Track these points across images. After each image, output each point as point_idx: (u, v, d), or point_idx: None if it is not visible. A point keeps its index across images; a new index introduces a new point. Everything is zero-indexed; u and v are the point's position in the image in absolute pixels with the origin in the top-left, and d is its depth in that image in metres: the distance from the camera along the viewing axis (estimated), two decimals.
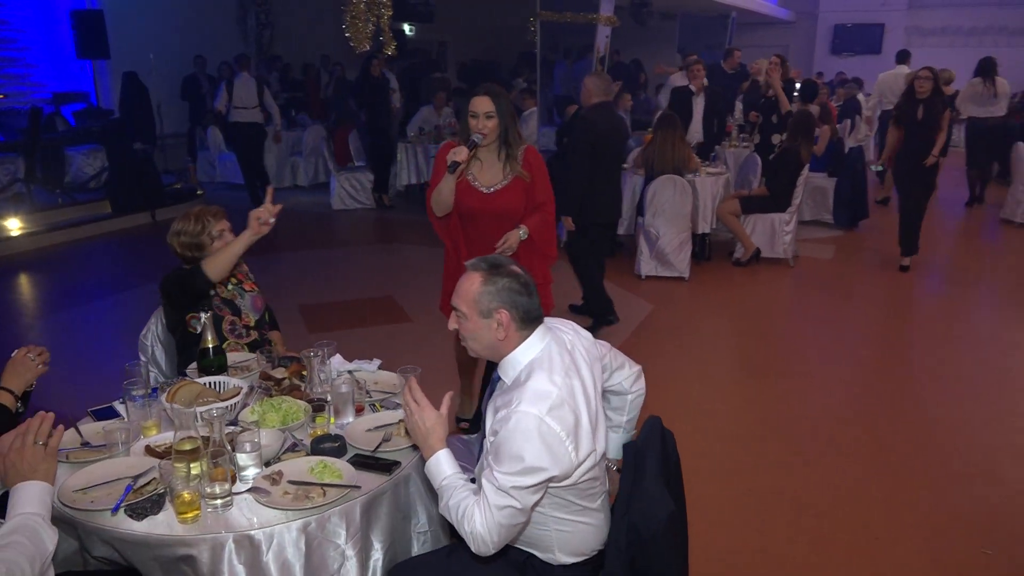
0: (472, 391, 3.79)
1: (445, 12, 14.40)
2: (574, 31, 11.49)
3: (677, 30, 15.41)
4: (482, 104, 3.13)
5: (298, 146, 11.06)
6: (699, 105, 7.75)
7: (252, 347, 2.88)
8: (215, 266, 2.66)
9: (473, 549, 1.78)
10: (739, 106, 9.90)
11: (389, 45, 7.22)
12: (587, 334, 2.03)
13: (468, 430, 2.98)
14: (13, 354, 2.27)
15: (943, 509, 3.25)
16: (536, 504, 1.81)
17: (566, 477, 1.79)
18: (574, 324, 2.03)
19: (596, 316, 5.26)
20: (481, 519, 1.74)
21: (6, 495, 1.80)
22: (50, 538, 1.63)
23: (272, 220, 2.61)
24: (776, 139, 7.55)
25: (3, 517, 1.74)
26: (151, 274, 6.82)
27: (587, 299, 5.38)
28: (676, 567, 1.98)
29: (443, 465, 1.87)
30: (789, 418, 4.11)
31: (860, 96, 11.76)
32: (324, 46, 13.51)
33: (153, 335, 3.01)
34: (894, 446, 3.79)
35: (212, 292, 2.84)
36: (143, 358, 3.00)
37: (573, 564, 1.99)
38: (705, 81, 7.79)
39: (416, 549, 2.20)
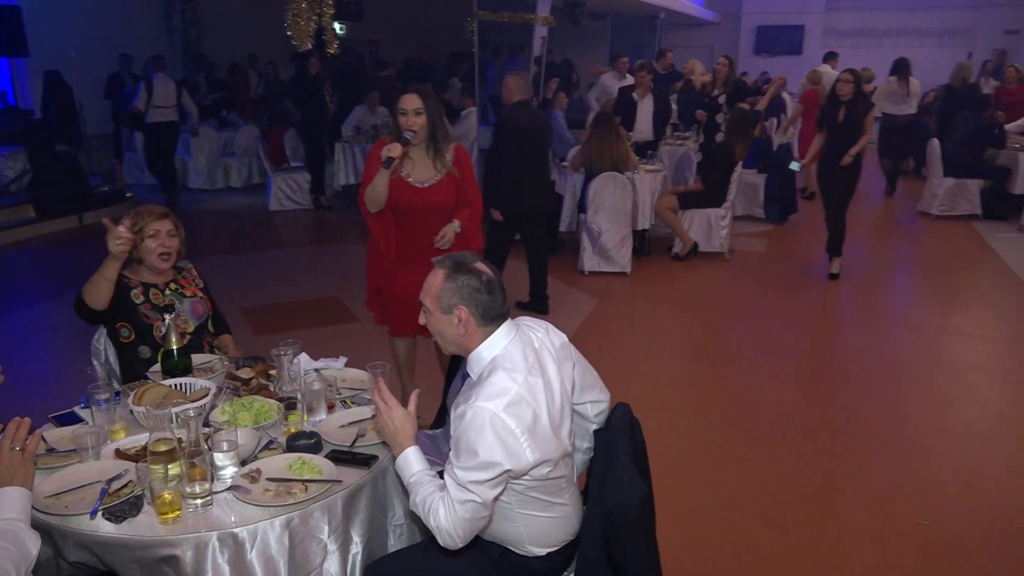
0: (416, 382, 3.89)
1: (376, 11, 14.26)
2: (506, 30, 11.57)
3: (609, 30, 15.67)
4: (411, 101, 3.26)
5: (230, 147, 10.83)
6: (647, 106, 7.92)
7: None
8: (89, 293, 2.63)
9: (441, 543, 1.82)
10: (673, 106, 10.18)
11: (332, 44, 7.15)
12: (561, 335, 2.06)
13: (434, 424, 3.01)
14: None
15: (882, 484, 3.44)
16: (497, 498, 1.85)
17: (523, 473, 1.83)
18: (548, 324, 2.07)
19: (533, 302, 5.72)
20: (445, 514, 1.78)
21: None
22: (33, 542, 1.61)
23: (122, 237, 2.55)
24: (720, 138, 7.79)
25: None
26: (82, 280, 6.63)
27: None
28: (648, 549, 2.07)
29: (412, 462, 1.91)
30: (734, 404, 4.27)
31: (785, 95, 12.18)
32: (253, 45, 13.24)
33: (106, 339, 2.94)
34: (833, 427, 3.99)
35: (142, 300, 2.79)
36: (96, 362, 2.93)
37: (547, 554, 2.05)
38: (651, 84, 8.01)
39: (392, 542, 2.23)
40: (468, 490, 1.77)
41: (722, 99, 7.99)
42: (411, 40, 15.09)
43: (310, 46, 6.65)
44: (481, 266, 1.93)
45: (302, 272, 6.92)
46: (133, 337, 2.74)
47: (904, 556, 2.96)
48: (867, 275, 6.89)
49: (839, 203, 6.42)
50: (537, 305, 5.62)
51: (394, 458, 1.95)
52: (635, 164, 6.87)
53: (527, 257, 5.65)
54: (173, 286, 2.88)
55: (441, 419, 2.99)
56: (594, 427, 2.19)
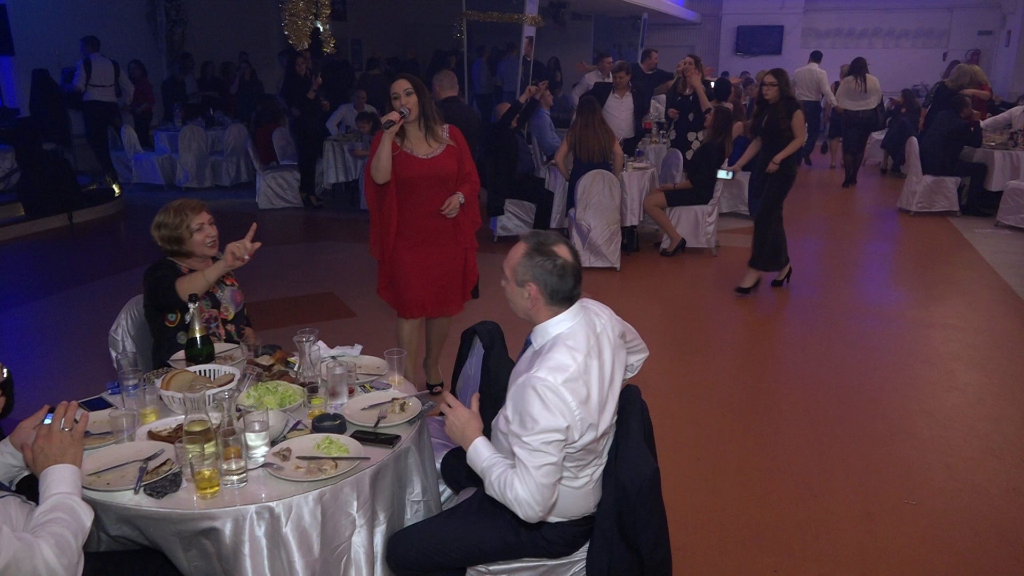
0: (417, 364, 4.22)
1: (359, 9, 14.31)
2: (492, 30, 11.69)
3: (592, 30, 15.83)
4: (401, 85, 3.58)
5: (218, 145, 10.86)
6: (627, 104, 8.06)
7: (228, 340, 2.94)
8: (186, 290, 2.73)
9: (521, 515, 1.93)
10: (657, 105, 10.35)
11: (328, 43, 7.22)
12: (619, 325, 2.19)
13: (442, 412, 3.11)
14: None
15: (870, 466, 3.60)
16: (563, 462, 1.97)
17: (574, 441, 1.96)
18: (611, 312, 2.20)
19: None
20: (521, 485, 1.90)
21: (28, 478, 1.85)
22: (86, 514, 1.70)
23: (247, 257, 2.69)
24: (691, 136, 7.95)
25: (30, 499, 1.79)
26: (72, 279, 6.67)
27: None
28: (658, 520, 2.19)
29: (481, 451, 2.04)
30: (722, 392, 4.42)
31: None
32: (238, 44, 13.26)
33: (123, 330, 3.02)
34: (819, 413, 4.14)
35: None
36: (113, 352, 3.01)
37: (561, 524, 2.17)
38: (629, 84, 8.15)
39: (409, 516, 2.34)
40: (541, 452, 1.89)
41: (693, 98, 8.10)
42: (393, 39, 15.18)
43: (307, 45, 6.72)
44: (562, 250, 2.04)
45: (297, 269, 6.99)
46: (177, 323, 2.83)
47: (892, 533, 3.10)
48: (852, 268, 7.07)
49: (760, 212, 6.07)
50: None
51: (465, 451, 2.09)
52: (619, 150, 6.95)
53: None
54: None
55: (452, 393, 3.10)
56: (630, 374, 2.33)
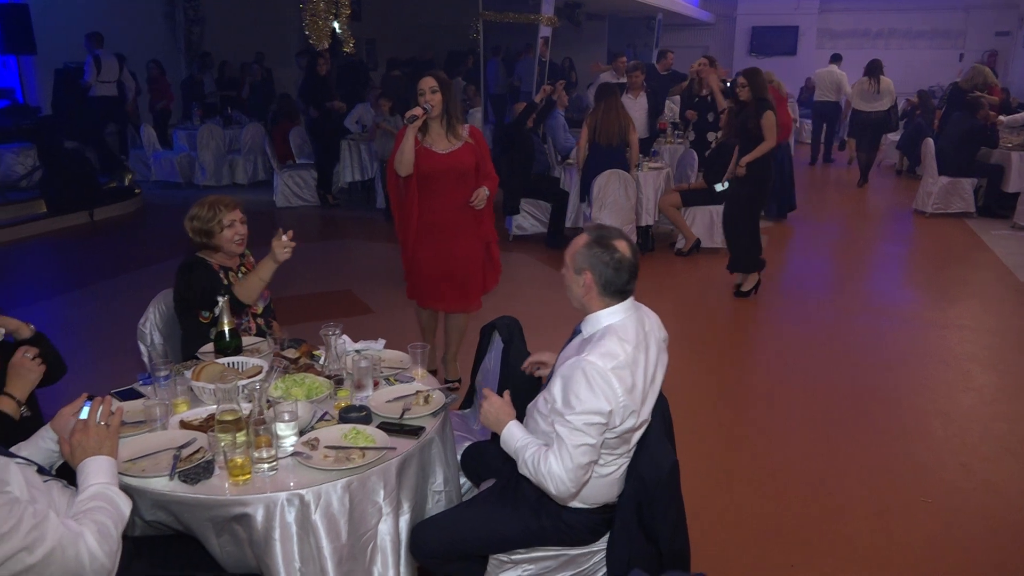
0: (436, 357, 4.35)
1: (373, 9, 14.37)
2: (507, 30, 11.74)
3: (607, 31, 15.85)
4: (427, 82, 3.75)
5: (236, 144, 10.96)
6: (641, 104, 8.09)
7: (258, 334, 3.01)
8: (246, 294, 2.91)
9: (553, 490, 2.02)
10: (672, 106, 10.37)
11: (348, 43, 7.30)
12: (665, 331, 2.28)
13: (463, 405, 3.17)
14: (12, 360, 2.27)
15: (884, 465, 3.62)
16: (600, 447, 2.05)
17: (615, 426, 2.04)
18: (657, 317, 2.29)
19: None
20: (557, 461, 1.98)
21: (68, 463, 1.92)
22: (125, 503, 1.76)
23: (288, 254, 2.94)
24: (711, 136, 7.96)
25: (70, 484, 1.85)
26: (93, 274, 6.77)
27: None
28: (676, 512, 2.24)
29: (515, 433, 2.13)
30: (739, 391, 4.45)
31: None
32: (255, 44, 13.37)
33: (151, 323, 3.09)
34: (834, 412, 4.16)
35: (227, 282, 2.96)
36: (142, 345, 3.08)
37: (580, 509, 2.21)
38: (644, 84, 8.18)
39: (430, 506, 2.39)
40: (582, 432, 1.97)
41: (711, 98, 8.12)
42: (408, 40, 15.23)
43: (327, 45, 6.79)
44: (621, 244, 2.12)
45: (315, 266, 7.06)
46: (211, 320, 2.89)
47: (907, 530, 3.13)
48: (867, 269, 7.08)
49: (726, 215, 6.00)
50: None
51: (497, 439, 2.18)
52: (637, 140, 6.95)
53: None
54: (243, 269, 3.06)
55: (470, 400, 3.16)
56: None
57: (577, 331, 2.24)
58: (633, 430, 2.11)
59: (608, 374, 1.98)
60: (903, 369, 4.76)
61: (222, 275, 2.98)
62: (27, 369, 2.27)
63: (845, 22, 19.30)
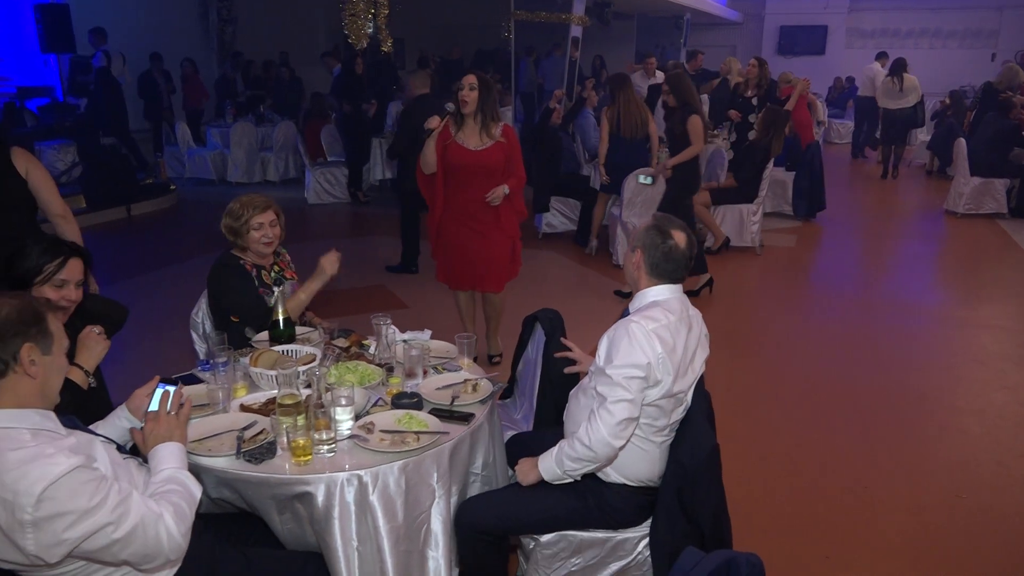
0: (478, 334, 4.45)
1: (401, 9, 14.50)
2: (537, 29, 11.80)
3: (635, 30, 15.86)
4: (468, 79, 3.95)
5: (268, 142, 11.12)
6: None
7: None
8: (294, 311, 2.97)
9: (599, 453, 2.13)
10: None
11: (386, 42, 7.40)
12: (705, 328, 2.36)
13: (504, 396, 3.22)
14: (80, 334, 2.38)
15: (919, 461, 3.65)
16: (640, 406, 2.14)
17: (657, 383, 2.14)
18: (700, 315, 2.37)
19: (405, 263, 6.63)
20: (595, 425, 2.11)
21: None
22: (196, 487, 1.84)
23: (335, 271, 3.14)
24: (753, 136, 7.97)
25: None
26: (131, 269, 6.92)
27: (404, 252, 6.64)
28: (716, 495, 2.30)
29: (544, 458, 2.27)
30: (772, 388, 4.48)
31: (811, 94, 12.35)
32: (284, 43, 13.54)
33: (203, 312, 3.20)
34: (869, 409, 4.19)
35: (258, 283, 3.04)
36: (194, 333, 3.19)
37: (623, 487, 2.29)
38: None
39: (473, 489, 2.46)
40: (621, 387, 2.08)
41: (756, 100, 8.16)
42: (437, 39, 15.34)
43: (365, 45, 6.90)
44: (679, 235, 2.23)
45: (345, 261, 7.13)
46: (239, 320, 2.96)
47: (941, 524, 3.16)
48: (897, 269, 7.06)
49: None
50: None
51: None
52: (656, 132, 6.94)
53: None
54: (276, 268, 3.14)
55: (511, 390, 3.23)
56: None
57: (626, 312, 2.32)
58: (671, 396, 2.19)
59: (649, 333, 2.11)
60: (937, 367, 4.76)
61: (255, 273, 3.05)
62: (94, 342, 2.37)
63: (875, 21, 19.16)
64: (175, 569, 1.76)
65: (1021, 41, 16.82)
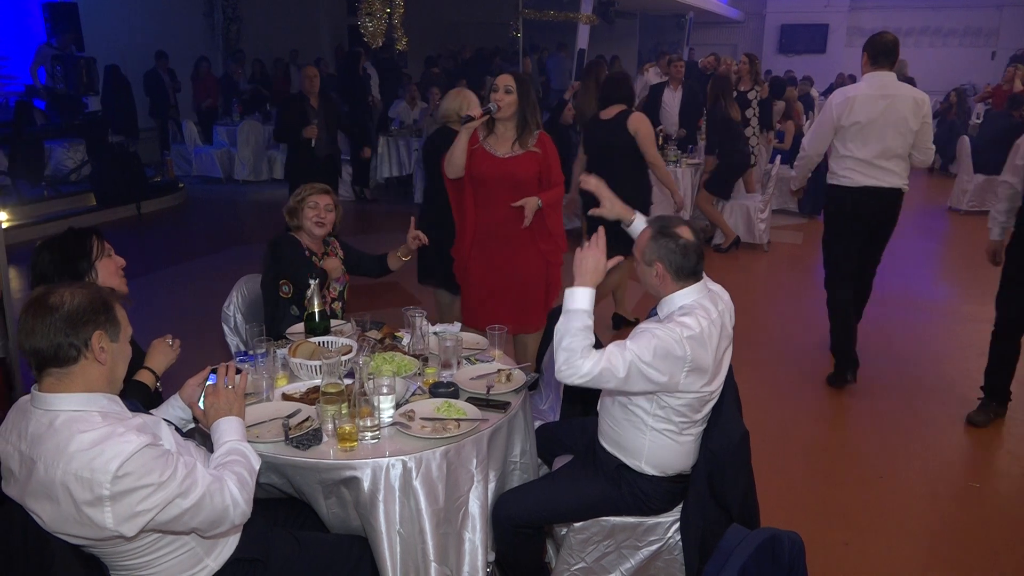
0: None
1: (407, 7, 14.58)
2: (544, 28, 11.87)
3: (638, 29, 15.93)
4: (505, 80, 3.39)
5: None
6: (676, 100, 8.19)
7: (332, 316, 3.17)
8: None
9: (562, 361, 2.09)
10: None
11: (401, 40, 7.45)
12: (733, 316, 2.39)
13: (532, 386, 3.17)
14: (154, 341, 2.45)
15: (934, 451, 3.73)
16: (631, 384, 2.11)
17: (668, 391, 2.18)
18: (729, 296, 2.40)
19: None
20: (590, 359, 2.07)
21: (193, 430, 2.08)
22: (255, 459, 1.92)
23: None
24: (748, 131, 8.03)
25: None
26: (146, 264, 6.98)
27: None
28: (745, 479, 2.37)
29: (584, 297, 2.19)
30: (785, 380, 4.56)
31: (813, 91, 12.44)
32: (291, 42, 13.59)
33: (235, 306, 3.27)
34: (883, 400, 4.26)
35: (311, 263, 3.14)
36: (225, 327, 3.25)
37: (656, 477, 2.35)
38: (683, 78, 8.26)
39: (508, 474, 2.52)
40: (628, 352, 2.07)
41: (751, 95, 8.19)
42: (441, 37, 15.39)
43: (380, 43, 6.95)
44: (683, 230, 2.24)
45: None
46: (291, 295, 3.06)
47: (957, 512, 3.24)
48: (901, 265, 7.14)
49: None
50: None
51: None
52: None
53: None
54: (327, 257, 3.24)
55: (536, 382, 3.29)
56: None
57: (653, 313, 2.38)
58: (706, 398, 2.24)
59: (683, 342, 2.10)
60: (947, 360, 4.84)
61: (307, 254, 3.15)
62: (164, 352, 2.40)
63: (876, 20, 19.21)
64: (238, 534, 1.85)
65: (1021, 39, 16.92)
